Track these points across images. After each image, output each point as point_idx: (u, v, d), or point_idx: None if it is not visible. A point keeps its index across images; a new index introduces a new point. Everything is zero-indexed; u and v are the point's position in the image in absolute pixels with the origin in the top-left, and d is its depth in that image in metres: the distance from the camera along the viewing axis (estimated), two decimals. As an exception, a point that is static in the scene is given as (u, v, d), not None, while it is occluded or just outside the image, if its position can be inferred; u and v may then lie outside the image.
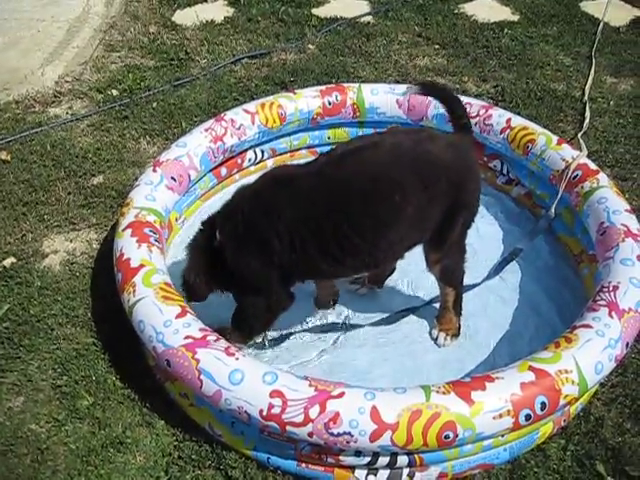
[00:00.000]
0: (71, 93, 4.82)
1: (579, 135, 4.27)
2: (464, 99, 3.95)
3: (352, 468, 2.54)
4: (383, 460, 2.48)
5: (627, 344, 2.66)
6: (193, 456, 2.67)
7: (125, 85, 4.83)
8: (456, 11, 5.93)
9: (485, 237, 3.67)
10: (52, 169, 4.08)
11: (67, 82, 4.95)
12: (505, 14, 5.93)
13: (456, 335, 3.17)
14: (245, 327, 2.99)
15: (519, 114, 4.37)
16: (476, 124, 3.77)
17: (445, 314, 3.17)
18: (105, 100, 4.73)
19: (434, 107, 3.89)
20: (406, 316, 3.29)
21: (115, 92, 4.79)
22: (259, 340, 3.11)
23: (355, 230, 2.67)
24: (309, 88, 4.07)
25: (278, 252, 2.69)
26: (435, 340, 3.16)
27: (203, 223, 2.94)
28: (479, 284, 3.30)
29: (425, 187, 2.71)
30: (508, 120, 3.77)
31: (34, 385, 2.94)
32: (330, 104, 3.96)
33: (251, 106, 3.84)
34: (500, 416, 2.37)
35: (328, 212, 2.67)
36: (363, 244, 2.71)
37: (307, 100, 3.93)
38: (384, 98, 3.95)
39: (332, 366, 3.04)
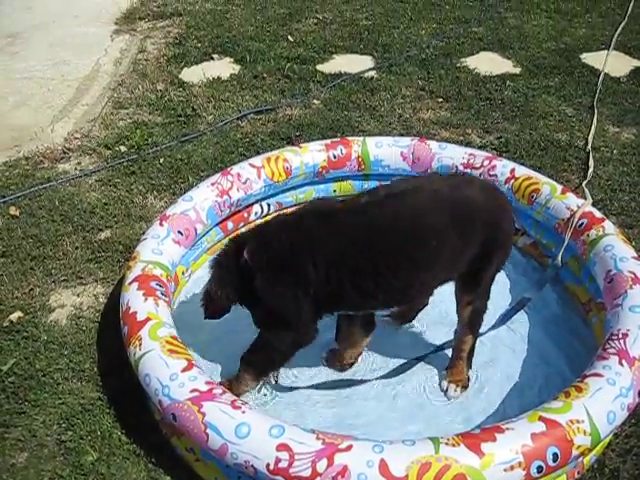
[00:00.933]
0: (80, 149, 4.90)
1: (584, 184, 4.30)
2: (468, 150, 4.03)
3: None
4: (393, 515, 2.43)
5: (639, 392, 2.62)
6: (201, 512, 2.63)
7: (133, 141, 4.90)
8: (458, 65, 6.04)
9: (492, 288, 3.64)
10: (60, 224, 4.12)
11: (76, 138, 5.03)
12: (507, 67, 6.03)
13: (466, 387, 3.13)
14: (261, 362, 2.99)
15: (523, 165, 4.43)
16: (480, 175, 3.80)
17: (457, 364, 3.14)
18: (113, 156, 4.80)
19: (437, 160, 3.94)
20: (414, 365, 3.25)
21: (123, 148, 4.86)
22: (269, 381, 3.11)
23: (391, 270, 2.76)
24: (314, 142, 4.13)
25: (314, 283, 2.74)
26: (445, 392, 3.11)
27: (230, 240, 3.05)
28: (485, 333, 3.26)
29: (462, 230, 2.81)
30: (512, 170, 3.80)
31: (38, 440, 2.90)
32: (335, 157, 4.01)
33: (257, 160, 3.89)
34: (511, 468, 2.32)
35: (367, 250, 2.76)
36: (397, 283, 2.79)
37: (312, 154, 3.98)
38: (388, 151, 4.00)
39: (341, 419, 3.00)
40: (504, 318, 3.41)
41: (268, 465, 2.32)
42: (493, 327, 3.35)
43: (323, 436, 2.38)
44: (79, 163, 4.77)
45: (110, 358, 3.23)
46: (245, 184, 3.74)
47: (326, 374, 3.24)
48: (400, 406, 3.07)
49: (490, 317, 3.39)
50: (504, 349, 3.35)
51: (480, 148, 4.77)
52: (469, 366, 3.15)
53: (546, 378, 3.19)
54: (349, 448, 2.32)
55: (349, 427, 2.92)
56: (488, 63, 6.08)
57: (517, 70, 5.98)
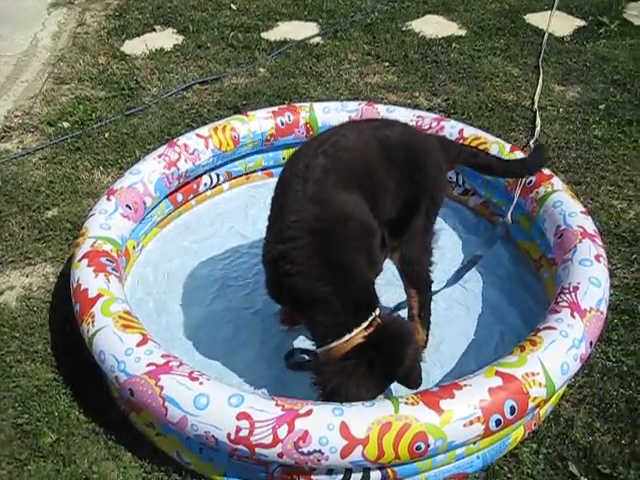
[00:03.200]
0: (21, 127, 4.74)
1: (531, 142, 4.35)
2: (416, 112, 4.03)
3: (326, 487, 2.51)
4: (356, 476, 2.45)
5: (591, 343, 2.69)
6: (163, 487, 2.61)
7: (76, 117, 4.76)
8: (404, 29, 6.00)
9: (444, 247, 3.65)
10: (4, 204, 4.00)
11: (17, 116, 4.86)
12: (452, 29, 6.01)
13: (423, 347, 3.15)
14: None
15: (471, 126, 4.46)
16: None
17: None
18: (56, 133, 4.65)
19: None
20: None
21: (66, 124, 4.72)
22: None
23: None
24: (261, 110, 4.08)
25: None
26: None
27: None
28: (438, 291, 3.27)
29: (387, 168, 2.85)
30: (461, 131, 3.82)
31: (-7, 426, 2.85)
32: (283, 124, 3.96)
33: (204, 130, 3.82)
34: (470, 423, 2.36)
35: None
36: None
37: (260, 122, 3.93)
38: (336, 116, 3.96)
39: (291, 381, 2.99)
40: (456, 276, 3.44)
41: (229, 435, 2.32)
42: (446, 285, 3.37)
43: (282, 402, 2.38)
44: (21, 141, 4.61)
45: (63, 338, 3.17)
46: (193, 155, 3.68)
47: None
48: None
49: (443, 276, 3.44)
50: (459, 307, 3.39)
51: (428, 111, 4.77)
52: (425, 326, 3.14)
53: (501, 335, 3.24)
54: (309, 413, 2.33)
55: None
56: (433, 26, 6.06)
57: (462, 32, 5.97)
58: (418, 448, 2.31)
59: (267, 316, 3.32)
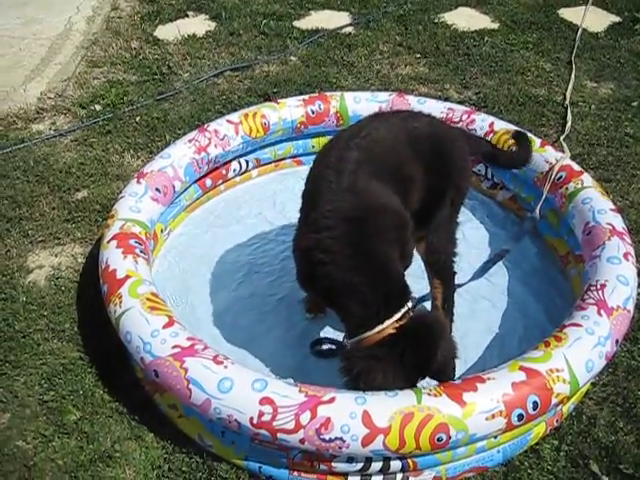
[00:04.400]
0: (54, 109, 4.79)
1: (562, 138, 4.30)
2: (447, 105, 4.01)
3: (345, 475, 2.51)
4: (376, 466, 2.46)
5: (617, 341, 2.67)
6: (184, 468, 2.64)
7: (108, 100, 4.81)
8: (436, 20, 5.96)
9: (471, 241, 3.67)
10: (36, 185, 4.05)
11: (50, 98, 4.91)
12: (485, 22, 5.96)
13: None
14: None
15: (501, 119, 4.42)
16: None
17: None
18: (88, 115, 4.70)
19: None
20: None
21: (98, 107, 4.77)
22: None
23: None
24: (292, 97, 4.08)
25: None
26: None
27: None
28: (464, 284, 3.25)
29: (415, 158, 2.87)
30: (491, 124, 3.80)
31: (20, 401, 2.90)
32: (313, 113, 3.96)
33: (234, 116, 3.83)
34: (493, 417, 2.36)
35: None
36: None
37: (290, 109, 3.93)
38: (367, 106, 3.95)
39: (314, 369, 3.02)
40: (483, 270, 3.41)
41: (252, 419, 2.34)
42: (472, 279, 3.35)
43: (306, 389, 2.39)
44: (53, 123, 4.67)
45: (90, 317, 3.22)
46: (223, 140, 3.70)
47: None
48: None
49: (469, 269, 3.42)
50: (483, 301, 3.38)
51: (459, 103, 4.71)
52: (448, 318, 3.13)
53: (525, 330, 3.22)
54: (332, 400, 2.34)
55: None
56: (466, 19, 6.00)
57: (495, 25, 5.91)
58: (439, 439, 2.31)
59: (292, 303, 3.34)
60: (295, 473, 2.54)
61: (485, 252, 3.65)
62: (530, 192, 3.68)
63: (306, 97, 4.05)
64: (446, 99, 4.81)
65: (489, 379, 2.44)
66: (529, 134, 3.68)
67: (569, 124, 4.54)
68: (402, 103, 3.97)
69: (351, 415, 2.30)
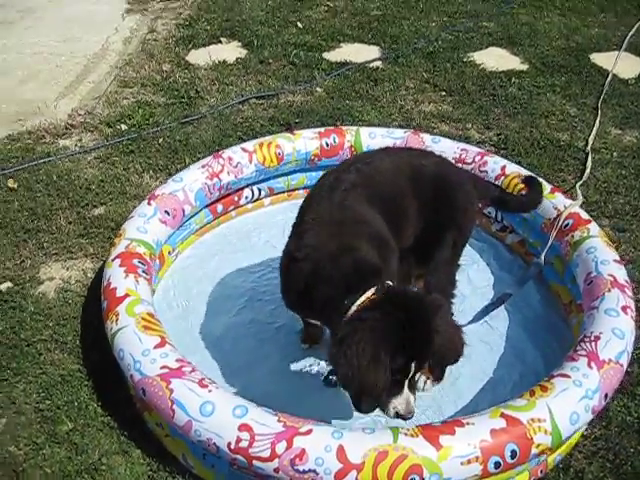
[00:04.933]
0: (82, 126, 4.95)
1: (578, 185, 4.29)
2: (460, 145, 4.04)
3: (321, 507, 2.53)
4: (350, 502, 2.47)
5: (606, 395, 2.64)
6: (166, 487, 2.68)
7: (134, 120, 4.96)
8: (465, 59, 6.01)
9: (475, 283, 3.68)
10: (56, 198, 4.19)
11: (79, 115, 5.08)
12: (514, 63, 6.00)
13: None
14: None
15: (520, 163, 4.44)
16: (472, 170, 3.81)
17: None
18: (114, 134, 4.85)
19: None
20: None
21: (124, 127, 4.91)
22: None
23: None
24: (308, 129, 4.15)
25: None
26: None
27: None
28: (463, 326, 3.23)
29: (417, 195, 2.95)
30: (503, 167, 3.81)
31: (17, 408, 2.98)
32: (328, 146, 4.03)
33: (249, 145, 3.92)
34: (468, 462, 2.35)
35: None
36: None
37: (305, 141, 4.01)
38: (381, 141, 4.00)
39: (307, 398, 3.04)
40: (483, 313, 3.44)
41: (229, 444, 2.37)
42: (471, 321, 3.37)
43: (285, 419, 2.42)
44: (80, 139, 4.83)
45: (93, 332, 3.29)
46: (236, 168, 3.78)
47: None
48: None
49: (471, 312, 3.45)
50: (481, 344, 3.35)
51: (479, 144, 4.79)
52: None
53: (521, 376, 3.20)
54: (309, 432, 2.37)
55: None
56: (495, 59, 6.05)
57: (524, 67, 5.95)
58: (413, 480, 2.32)
59: (290, 332, 3.37)
60: (272, 502, 2.57)
61: (489, 295, 3.64)
62: (537, 238, 3.68)
63: (322, 130, 4.12)
64: (466, 139, 4.85)
65: (468, 424, 2.43)
66: (540, 179, 3.70)
67: (588, 170, 4.53)
68: (417, 141, 4.01)
69: (326, 448, 2.32)
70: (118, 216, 4.01)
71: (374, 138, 4.06)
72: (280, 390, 3.07)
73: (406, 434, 2.38)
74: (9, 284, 3.57)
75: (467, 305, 3.51)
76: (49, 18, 6.56)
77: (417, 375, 3.06)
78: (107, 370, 3.08)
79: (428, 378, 3.11)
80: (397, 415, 2.46)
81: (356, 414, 2.83)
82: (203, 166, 3.72)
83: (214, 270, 3.74)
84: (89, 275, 3.67)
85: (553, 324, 3.47)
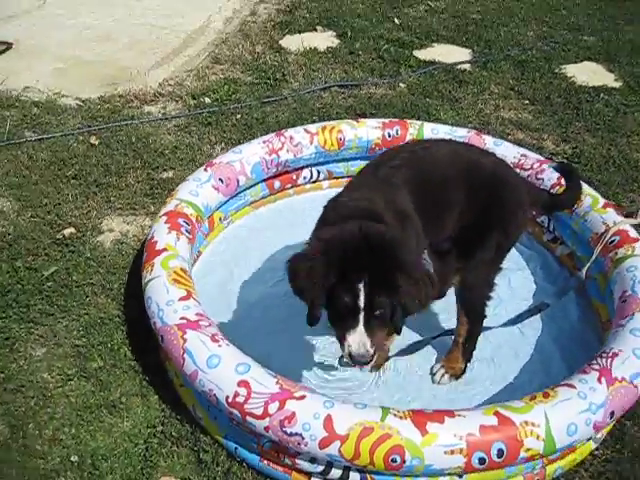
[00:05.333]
0: (169, 95, 5.23)
1: (644, 207, 4.15)
2: (521, 150, 4.00)
3: (308, 475, 2.62)
4: (336, 472, 2.55)
5: (612, 413, 2.59)
6: (174, 433, 2.85)
7: (218, 95, 5.19)
8: (556, 71, 5.90)
9: (515, 289, 3.66)
10: (130, 158, 4.46)
11: (169, 85, 5.36)
12: (607, 80, 5.82)
13: (457, 376, 3.16)
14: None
15: (590, 178, 4.36)
16: (528, 176, 3.77)
17: (453, 350, 3.18)
18: (196, 106, 5.09)
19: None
20: (422, 348, 3.31)
21: (207, 100, 5.15)
22: None
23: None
24: (373, 119, 4.22)
25: None
26: (432, 375, 3.17)
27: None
28: (492, 328, 3.26)
29: (469, 189, 2.94)
30: (559, 177, 3.75)
31: (57, 341, 3.24)
32: (390, 137, 4.09)
33: (312, 127, 4.03)
34: (452, 452, 2.38)
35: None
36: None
37: (368, 129, 4.08)
38: (443, 138, 4.02)
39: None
40: (517, 319, 3.40)
41: (227, 397, 2.50)
42: (504, 325, 3.35)
43: (282, 382, 2.52)
44: (164, 107, 5.10)
45: (137, 283, 3.48)
46: (296, 147, 3.90)
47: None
48: (386, 379, 3.15)
49: (505, 316, 3.42)
50: (508, 350, 3.35)
51: (552, 155, 4.72)
52: (466, 358, 3.17)
53: (540, 386, 3.07)
54: (302, 397, 2.46)
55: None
56: (588, 73, 5.90)
57: (617, 84, 5.77)
58: (394, 460, 2.37)
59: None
60: (265, 462, 2.67)
61: (527, 303, 3.60)
62: (585, 251, 3.60)
63: (386, 120, 4.18)
64: (539, 148, 4.78)
65: (459, 416, 2.46)
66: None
67: (661, 194, 4.37)
68: (478, 141, 4.00)
69: (315, 415, 2.41)
70: (183, 181, 4.22)
71: (437, 134, 4.07)
72: (299, 361, 3.18)
73: (395, 415, 2.44)
74: (72, 230, 3.85)
75: (502, 309, 3.49)
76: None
77: (436, 366, 3.15)
78: (142, 319, 3.26)
79: (447, 372, 3.15)
80: (351, 357, 2.35)
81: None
82: (264, 142, 3.87)
83: (263, 242, 3.87)
84: (145, 231, 3.89)
85: (586, 340, 3.39)
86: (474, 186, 2.95)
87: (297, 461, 2.58)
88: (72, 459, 2.74)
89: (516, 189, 3.08)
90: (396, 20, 6.67)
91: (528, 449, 2.43)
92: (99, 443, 2.82)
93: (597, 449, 2.88)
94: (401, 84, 5.58)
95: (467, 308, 3.13)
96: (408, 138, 4.09)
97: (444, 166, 2.98)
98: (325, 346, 3.30)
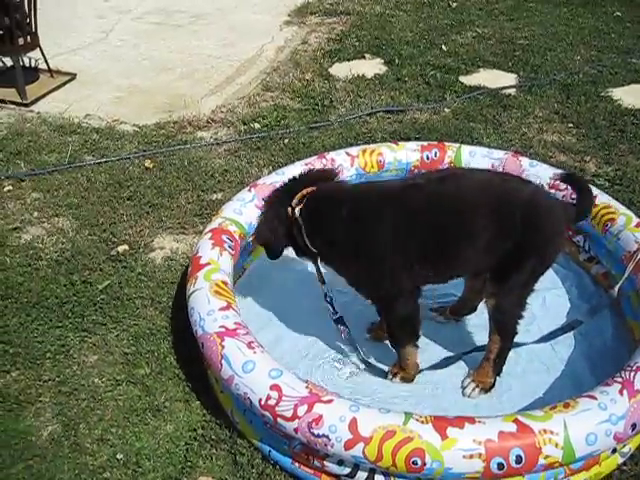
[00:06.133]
0: (221, 121, 5.51)
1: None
2: (556, 171, 4.06)
3: (337, 477, 2.75)
4: (362, 475, 2.68)
5: (634, 425, 2.63)
6: (213, 436, 3.02)
7: (267, 121, 5.44)
8: (602, 94, 5.93)
9: (550, 307, 3.71)
10: (183, 181, 4.73)
11: (221, 112, 5.65)
12: (655, 103, 5.83)
13: (486, 390, 3.24)
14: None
15: (631, 200, 4.40)
16: (562, 197, 3.84)
17: (483, 365, 3.25)
18: (247, 131, 5.35)
19: (525, 176, 4.00)
20: (455, 362, 3.39)
21: (257, 125, 5.40)
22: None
23: (442, 239, 3.02)
24: (412, 142, 4.37)
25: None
26: (463, 388, 3.26)
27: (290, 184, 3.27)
28: (525, 344, 3.33)
29: (501, 218, 2.99)
30: (594, 197, 3.80)
31: (108, 349, 3.47)
32: (428, 159, 4.22)
33: (354, 150, 4.21)
34: (471, 457, 2.47)
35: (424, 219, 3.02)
36: (444, 252, 3.06)
37: (407, 152, 4.23)
38: (480, 160, 4.13)
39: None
40: (549, 336, 3.44)
41: (260, 400, 2.67)
42: (537, 341, 3.40)
43: (312, 387, 2.68)
44: (216, 133, 5.38)
45: (184, 297, 3.66)
46: (337, 169, 4.07)
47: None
48: (415, 391, 3.25)
49: (537, 334, 3.48)
50: (539, 365, 3.39)
51: (594, 177, 4.76)
52: (496, 372, 3.24)
53: (570, 402, 3.21)
54: (329, 401, 2.61)
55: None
56: (635, 96, 5.90)
57: (665, 107, 5.76)
58: (415, 463, 2.48)
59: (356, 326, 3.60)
60: (296, 464, 2.82)
61: (561, 321, 3.63)
62: (619, 270, 3.63)
63: (425, 143, 4.32)
64: (581, 170, 4.84)
65: (479, 422, 2.56)
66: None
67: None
68: (514, 163, 4.10)
69: (341, 418, 2.55)
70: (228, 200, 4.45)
71: (474, 156, 4.19)
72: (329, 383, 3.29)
73: (417, 420, 2.55)
74: (126, 247, 4.12)
75: (535, 326, 3.55)
76: (214, 24, 7.28)
77: (467, 380, 3.25)
78: (187, 328, 3.46)
79: (477, 386, 3.24)
80: None
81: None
82: (306, 164, 4.05)
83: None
84: (194, 249, 4.12)
85: (619, 357, 3.38)
86: (507, 214, 2.99)
87: (326, 463, 2.72)
88: (118, 457, 2.95)
89: (552, 215, 3.10)
90: (444, 47, 6.83)
91: (547, 456, 2.50)
92: (143, 443, 3.01)
93: (625, 464, 2.91)
94: (446, 109, 5.72)
95: (500, 328, 3.20)
96: (446, 160, 4.21)
97: (469, 194, 3.05)
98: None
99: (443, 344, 3.49)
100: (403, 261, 3.00)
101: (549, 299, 3.76)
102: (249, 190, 3.85)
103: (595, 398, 2.65)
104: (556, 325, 3.56)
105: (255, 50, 6.69)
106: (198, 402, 3.20)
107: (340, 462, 2.69)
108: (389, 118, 5.60)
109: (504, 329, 3.20)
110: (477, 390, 3.23)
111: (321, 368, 3.37)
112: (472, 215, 3.00)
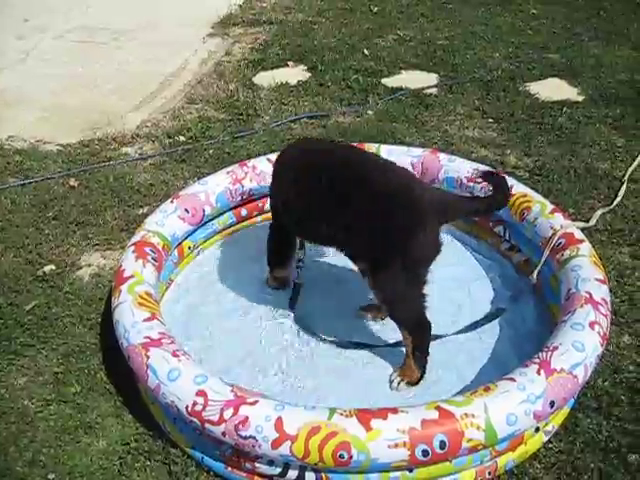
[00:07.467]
0: (146, 136, 5.48)
1: (599, 209, 4.34)
2: (474, 165, 4.19)
3: (269, 478, 2.77)
4: (293, 473, 2.71)
5: (552, 403, 2.72)
6: (146, 448, 3.00)
7: (192, 133, 5.43)
8: (521, 88, 6.10)
9: (474, 296, 3.80)
10: (109, 197, 4.69)
11: (146, 127, 5.62)
12: (570, 94, 6.02)
13: (412, 384, 3.27)
14: None
15: (549, 189, 4.56)
16: (481, 189, 3.94)
17: (405, 360, 3.29)
18: (172, 144, 5.34)
19: (444, 172, 4.13)
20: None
21: (182, 138, 5.40)
22: None
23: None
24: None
25: None
26: (390, 382, 3.31)
27: None
28: (446, 335, 3.42)
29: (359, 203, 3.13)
30: (510, 187, 3.91)
31: (37, 370, 3.42)
32: (351, 160, 4.28)
33: (274, 156, 4.22)
34: (396, 446, 2.52)
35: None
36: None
37: (329, 154, 4.27)
38: (398, 159, 4.11)
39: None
40: (473, 325, 3.56)
41: (187, 407, 2.68)
42: (460, 332, 3.50)
43: (237, 390, 2.70)
44: (141, 148, 5.35)
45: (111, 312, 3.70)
46: (259, 176, 4.10)
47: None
48: (349, 382, 3.31)
49: (464, 323, 3.57)
50: (464, 354, 3.46)
51: (514, 169, 4.91)
52: (419, 365, 3.25)
53: (497, 386, 3.29)
54: (254, 403, 2.63)
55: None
56: (552, 89, 6.10)
57: (580, 98, 5.96)
58: (341, 456, 2.51)
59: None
60: (229, 469, 2.83)
61: (486, 311, 3.72)
62: (538, 257, 3.73)
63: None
64: (502, 163, 4.98)
65: (402, 412, 2.61)
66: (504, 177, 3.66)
67: (618, 199, 4.53)
68: (433, 160, 4.20)
69: (266, 418, 2.57)
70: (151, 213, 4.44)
71: (392, 155, 4.22)
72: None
73: (341, 414, 2.60)
74: (53, 266, 4.06)
75: (462, 317, 3.64)
76: (137, 40, 7.23)
77: (394, 374, 3.30)
78: (117, 345, 3.47)
79: (402, 380, 3.29)
80: None
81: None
82: (228, 172, 4.08)
83: (231, 267, 4.03)
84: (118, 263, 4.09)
85: (543, 341, 3.41)
86: (360, 204, 3.12)
87: (257, 465, 2.74)
88: (50, 477, 2.90)
89: (416, 206, 3.10)
90: (366, 51, 6.93)
91: (469, 440, 2.57)
92: (76, 462, 2.97)
93: (550, 441, 3.00)
94: (369, 111, 5.81)
95: (398, 323, 3.27)
96: (367, 160, 4.28)
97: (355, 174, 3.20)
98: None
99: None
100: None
101: (474, 289, 3.85)
102: (171, 201, 3.85)
103: (514, 380, 2.74)
104: (480, 314, 3.68)
105: (179, 64, 6.67)
106: (130, 416, 3.18)
107: (270, 462, 2.71)
108: (313, 123, 5.66)
109: (403, 324, 3.25)
110: (403, 384, 3.27)
111: (254, 371, 3.39)
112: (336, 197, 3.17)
